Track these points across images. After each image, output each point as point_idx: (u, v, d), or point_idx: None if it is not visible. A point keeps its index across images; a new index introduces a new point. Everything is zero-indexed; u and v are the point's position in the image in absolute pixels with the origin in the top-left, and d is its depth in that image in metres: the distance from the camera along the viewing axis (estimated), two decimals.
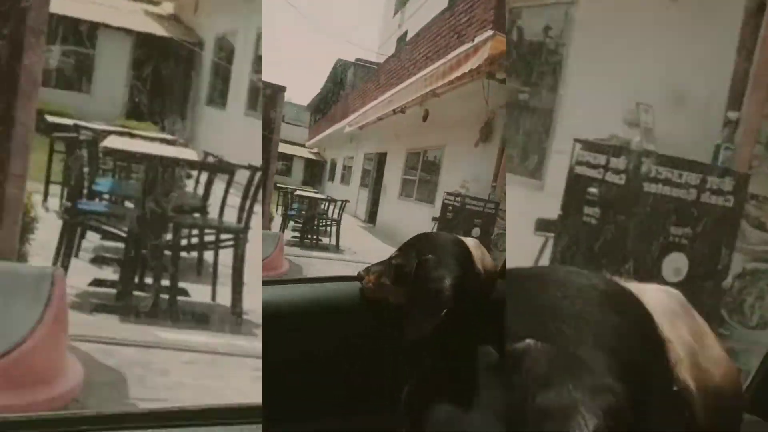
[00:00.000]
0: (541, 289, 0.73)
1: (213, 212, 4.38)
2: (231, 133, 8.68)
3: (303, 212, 10.33)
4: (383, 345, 1.45)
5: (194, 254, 4.29)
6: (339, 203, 10.60)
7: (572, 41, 4.73)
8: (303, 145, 28.14)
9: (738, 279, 4.08)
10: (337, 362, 1.46)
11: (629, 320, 0.69)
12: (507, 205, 6.99)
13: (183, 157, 4.17)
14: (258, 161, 4.30)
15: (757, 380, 1.72)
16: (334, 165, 25.32)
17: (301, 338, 1.47)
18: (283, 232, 9.68)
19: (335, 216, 10.41)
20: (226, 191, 4.27)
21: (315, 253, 9.10)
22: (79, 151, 4.09)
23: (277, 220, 9.94)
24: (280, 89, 6.78)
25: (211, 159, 4.84)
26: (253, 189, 3.91)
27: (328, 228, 10.38)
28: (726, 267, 3.67)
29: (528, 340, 0.63)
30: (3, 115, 2.73)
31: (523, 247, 4.06)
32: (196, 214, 4.33)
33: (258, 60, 9.00)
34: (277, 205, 11.73)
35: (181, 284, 3.69)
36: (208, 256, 4.17)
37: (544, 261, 3.91)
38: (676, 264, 3.51)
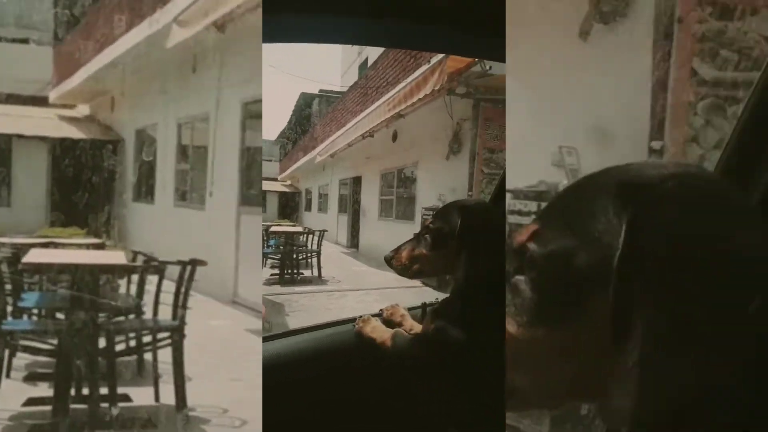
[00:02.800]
0: None
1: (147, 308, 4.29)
2: (162, 227, 8.57)
3: (280, 247, 10.07)
4: (382, 386, 1.47)
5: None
6: (318, 233, 10.42)
7: (509, 92, 4.85)
8: (275, 179, 27.62)
9: None
10: (337, 409, 1.48)
11: None
12: None
13: (111, 262, 4.12)
14: (189, 254, 4.26)
15: None
16: (309, 194, 25.28)
17: (302, 389, 1.48)
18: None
19: (315, 246, 10.22)
20: (158, 288, 4.21)
21: (297, 288, 8.82)
22: None
23: None
24: None
25: (141, 258, 4.78)
26: (185, 284, 3.89)
27: (310, 260, 10.17)
28: None
29: None
30: None
31: None
32: (132, 316, 4.24)
33: (182, 149, 8.95)
34: None
35: (122, 389, 3.59)
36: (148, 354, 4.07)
37: None
38: None
